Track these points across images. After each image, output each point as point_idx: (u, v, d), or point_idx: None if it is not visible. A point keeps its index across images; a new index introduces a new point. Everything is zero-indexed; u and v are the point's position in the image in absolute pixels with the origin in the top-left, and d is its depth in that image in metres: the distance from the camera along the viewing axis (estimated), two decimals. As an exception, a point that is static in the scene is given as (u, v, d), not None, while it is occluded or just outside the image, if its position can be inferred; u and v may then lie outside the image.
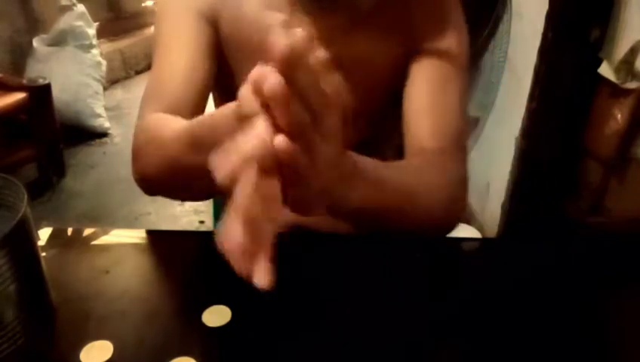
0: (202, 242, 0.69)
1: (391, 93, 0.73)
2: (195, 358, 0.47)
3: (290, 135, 0.35)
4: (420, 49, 0.70)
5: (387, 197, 0.56)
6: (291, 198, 0.39)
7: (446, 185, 0.65)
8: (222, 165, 0.36)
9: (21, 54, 2.71)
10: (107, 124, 2.77)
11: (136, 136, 0.64)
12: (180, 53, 0.67)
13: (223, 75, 0.71)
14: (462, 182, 0.68)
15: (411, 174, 0.63)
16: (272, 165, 0.35)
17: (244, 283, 0.32)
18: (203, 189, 0.59)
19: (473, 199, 1.96)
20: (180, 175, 0.57)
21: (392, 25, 0.70)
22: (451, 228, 0.68)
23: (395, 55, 0.71)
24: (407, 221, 0.60)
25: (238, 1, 0.67)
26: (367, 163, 0.52)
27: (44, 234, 0.64)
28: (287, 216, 0.38)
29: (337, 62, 0.72)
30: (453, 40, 0.71)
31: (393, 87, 0.72)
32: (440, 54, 0.70)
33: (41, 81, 2.20)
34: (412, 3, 0.70)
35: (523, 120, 1.54)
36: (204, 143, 0.45)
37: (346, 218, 0.57)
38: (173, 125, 0.57)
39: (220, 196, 0.89)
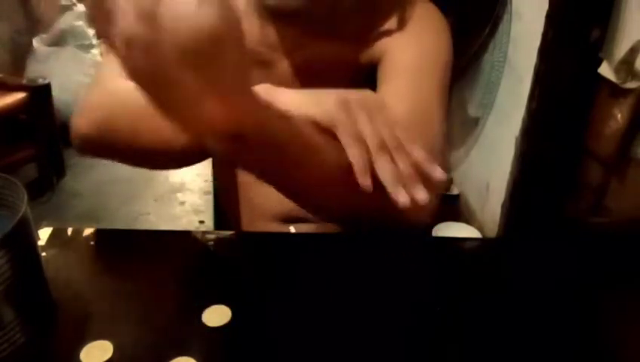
0: (202, 242, 0.69)
1: None
2: (195, 358, 0.47)
3: None
4: (386, 52, 0.70)
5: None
6: None
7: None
8: None
9: (21, 54, 2.71)
10: (107, 124, 2.77)
11: (90, 91, 0.64)
12: None
13: None
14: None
15: None
16: None
17: (244, 283, 0.32)
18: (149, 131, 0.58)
19: (473, 199, 1.96)
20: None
21: (360, 30, 0.71)
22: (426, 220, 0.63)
23: (367, 58, 0.71)
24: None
25: None
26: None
27: (44, 234, 0.64)
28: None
29: (306, 67, 0.73)
30: (423, 47, 0.69)
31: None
32: (408, 56, 0.68)
33: (41, 81, 2.20)
34: (379, 10, 0.71)
35: (523, 120, 1.54)
36: None
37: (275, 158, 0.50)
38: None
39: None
